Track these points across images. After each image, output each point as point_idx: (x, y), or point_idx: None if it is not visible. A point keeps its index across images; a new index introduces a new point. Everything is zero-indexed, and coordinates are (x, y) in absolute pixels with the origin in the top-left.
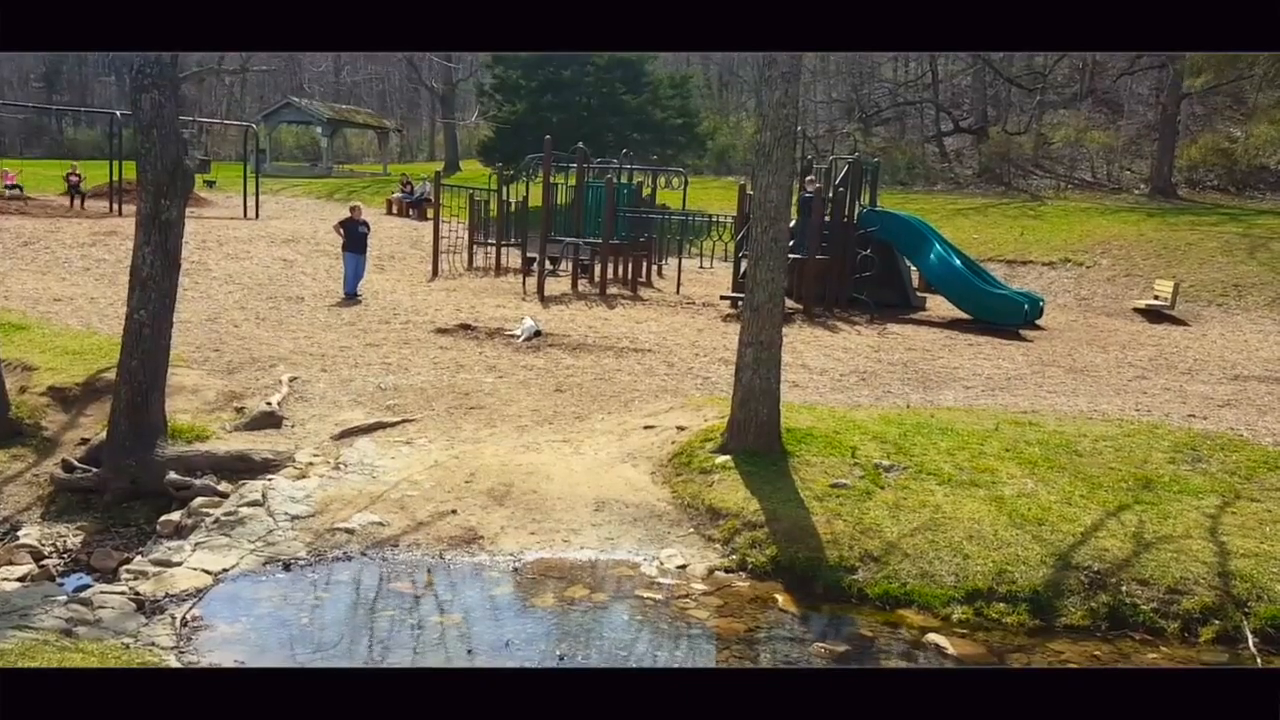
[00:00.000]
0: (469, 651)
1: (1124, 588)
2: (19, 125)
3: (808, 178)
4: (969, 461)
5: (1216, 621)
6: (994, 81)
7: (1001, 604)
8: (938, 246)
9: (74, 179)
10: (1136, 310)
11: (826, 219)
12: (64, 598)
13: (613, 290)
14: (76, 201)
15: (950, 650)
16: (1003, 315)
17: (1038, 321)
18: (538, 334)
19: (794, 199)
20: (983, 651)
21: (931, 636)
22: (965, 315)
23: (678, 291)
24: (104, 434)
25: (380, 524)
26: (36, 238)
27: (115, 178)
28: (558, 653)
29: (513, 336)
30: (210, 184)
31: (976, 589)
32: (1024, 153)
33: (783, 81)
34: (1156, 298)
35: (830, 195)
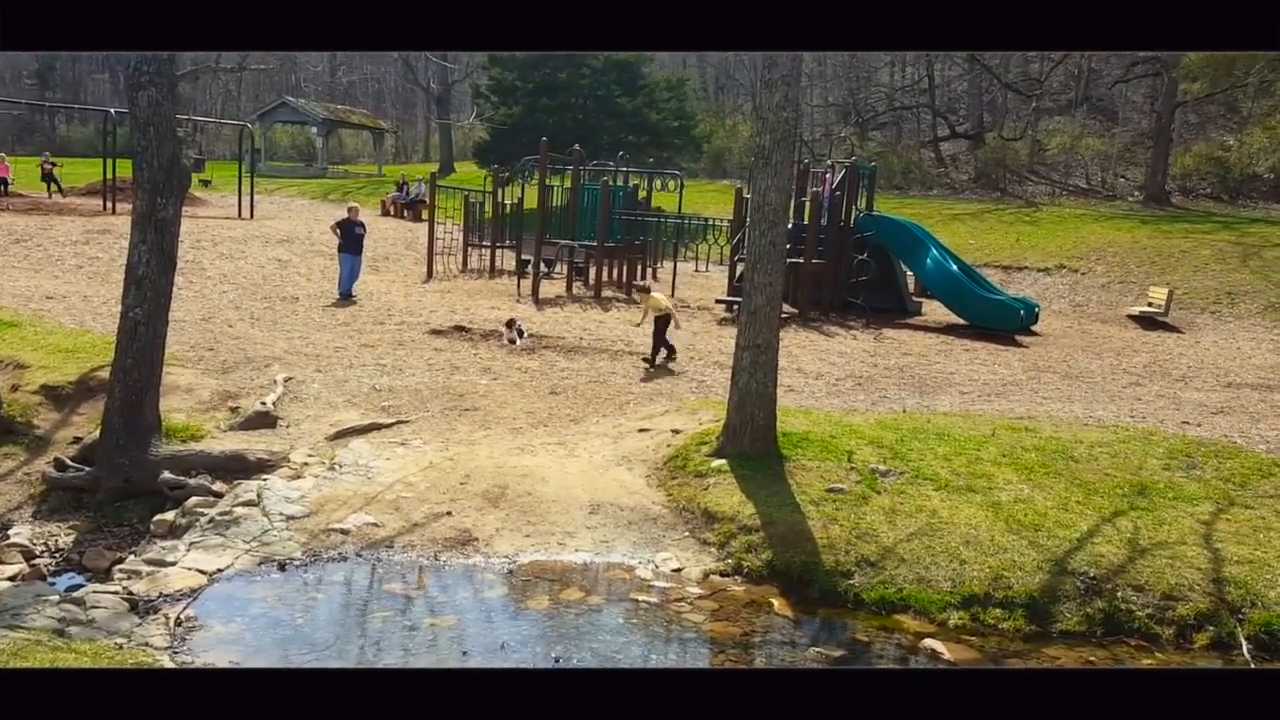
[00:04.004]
0: (464, 652)
1: (1119, 594)
2: (11, 122)
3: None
4: (965, 467)
5: (1211, 628)
6: (990, 87)
7: (998, 609)
8: (934, 251)
9: (47, 166)
10: (1131, 317)
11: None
12: (56, 597)
13: (607, 293)
14: (55, 192)
15: (946, 655)
16: (998, 321)
17: (1033, 327)
18: (522, 334)
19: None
20: (979, 657)
21: (928, 642)
22: (961, 320)
23: (673, 295)
24: (97, 433)
25: (375, 525)
26: (28, 235)
27: (109, 176)
28: (552, 655)
29: (511, 342)
30: (205, 183)
31: (973, 594)
32: (1019, 159)
33: (783, 84)
34: (1150, 304)
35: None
